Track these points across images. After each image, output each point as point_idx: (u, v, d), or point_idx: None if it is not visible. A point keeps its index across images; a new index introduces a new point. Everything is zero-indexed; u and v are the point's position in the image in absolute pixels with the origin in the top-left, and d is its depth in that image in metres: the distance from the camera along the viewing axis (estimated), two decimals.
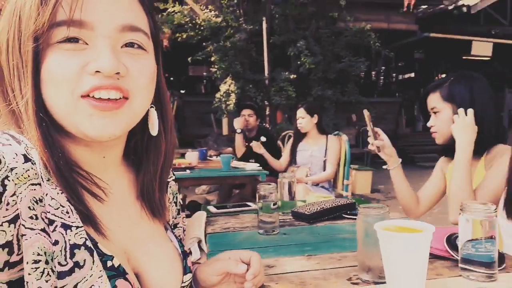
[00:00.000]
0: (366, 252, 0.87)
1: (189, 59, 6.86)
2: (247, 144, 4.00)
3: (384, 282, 0.82)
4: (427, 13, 10.76)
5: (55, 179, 0.54)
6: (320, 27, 6.45)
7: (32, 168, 0.51)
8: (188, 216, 4.12)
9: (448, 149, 1.51)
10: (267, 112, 6.53)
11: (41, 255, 0.48)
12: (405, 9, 3.92)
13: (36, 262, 0.48)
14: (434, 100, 1.55)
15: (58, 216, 0.52)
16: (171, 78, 12.42)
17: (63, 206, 0.53)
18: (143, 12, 0.61)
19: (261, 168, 3.25)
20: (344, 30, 6.51)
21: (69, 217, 0.53)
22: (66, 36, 0.54)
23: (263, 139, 3.65)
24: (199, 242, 1.30)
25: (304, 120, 3.32)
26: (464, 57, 11.76)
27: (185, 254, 0.74)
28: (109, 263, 0.56)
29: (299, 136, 3.44)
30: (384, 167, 1.66)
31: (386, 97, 10.99)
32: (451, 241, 0.96)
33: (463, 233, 0.87)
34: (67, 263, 0.51)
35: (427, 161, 9.21)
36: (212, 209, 1.60)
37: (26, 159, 0.51)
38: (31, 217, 0.49)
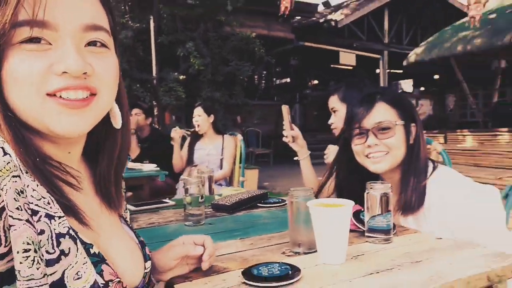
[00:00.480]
0: (297, 228, 1.03)
1: None
2: (140, 144, 3.93)
3: (313, 252, 0.99)
4: (302, 24, 11.82)
5: (31, 174, 0.55)
6: (208, 29, 6.61)
7: (11, 161, 0.51)
8: None
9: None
10: (156, 113, 6.44)
11: (30, 244, 0.49)
12: (280, 14, 4.29)
13: (26, 251, 0.49)
14: (333, 101, 1.85)
15: (41, 207, 0.53)
16: None
17: (44, 197, 0.54)
18: (103, 10, 0.63)
19: (158, 168, 3.24)
20: (231, 35, 6.79)
21: (51, 207, 0.55)
22: (28, 37, 0.54)
23: None
24: None
25: (201, 118, 3.41)
26: (332, 65, 13.21)
27: (143, 244, 0.79)
28: (91, 251, 0.59)
29: (196, 136, 3.53)
30: (295, 158, 1.86)
31: (267, 100, 11.73)
32: (358, 216, 1.18)
33: (368, 208, 1.08)
34: (55, 251, 0.53)
35: None
36: (130, 207, 1.61)
37: (4, 152, 0.52)
38: (17, 208, 0.49)
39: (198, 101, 6.27)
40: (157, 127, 5.37)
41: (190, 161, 3.52)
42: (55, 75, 0.55)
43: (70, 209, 0.59)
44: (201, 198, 1.38)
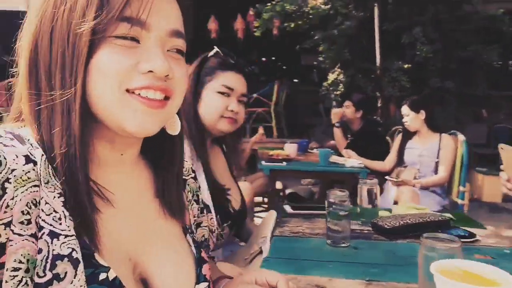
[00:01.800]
0: None
1: (297, 47, 6.81)
2: (349, 137, 3.82)
3: None
4: None
5: (68, 181, 0.53)
6: (440, 11, 5.74)
7: (33, 169, 0.51)
8: None
9: None
10: (379, 104, 6.13)
11: (23, 263, 0.48)
12: None
13: (15, 269, 0.47)
14: None
15: (47, 223, 0.51)
16: (284, 67, 12.54)
17: (56, 212, 0.52)
18: (182, 18, 0.64)
19: (362, 165, 3.06)
20: (471, 14, 5.68)
21: (60, 224, 0.52)
22: (124, 33, 0.55)
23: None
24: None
25: (409, 117, 3.03)
26: None
27: (201, 261, 0.72)
28: (102, 276, 0.54)
29: (408, 133, 3.15)
30: None
31: None
32: None
33: None
34: (45, 274, 0.49)
35: None
36: (287, 208, 1.57)
37: (28, 160, 0.51)
38: (21, 222, 0.49)
39: (424, 92, 5.65)
40: (377, 119, 5.12)
41: (400, 161, 3.19)
42: (139, 73, 0.56)
43: (88, 226, 0.56)
44: (344, 212, 1.19)
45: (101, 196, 0.59)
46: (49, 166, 0.54)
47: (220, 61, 1.39)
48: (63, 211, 0.53)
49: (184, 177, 0.80)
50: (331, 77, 6.25)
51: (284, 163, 3.05)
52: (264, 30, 6.77)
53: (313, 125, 7.63)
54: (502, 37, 5.81)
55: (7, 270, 0.47)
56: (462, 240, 1.19)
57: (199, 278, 0.69)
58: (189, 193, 0.81)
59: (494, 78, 6.53)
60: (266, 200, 3.67)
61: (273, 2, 6.56)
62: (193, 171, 0.85)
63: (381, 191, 3.17)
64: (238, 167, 1.63)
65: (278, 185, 3.88)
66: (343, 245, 1.20)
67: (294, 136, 6.42)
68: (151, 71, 0.57)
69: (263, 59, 12.22)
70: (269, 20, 6.72)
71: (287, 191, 3.79)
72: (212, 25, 8.20)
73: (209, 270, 0.73)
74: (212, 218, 0.92)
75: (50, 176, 0.53)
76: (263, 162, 3.03)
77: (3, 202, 0.47)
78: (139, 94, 0.57)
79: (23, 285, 0.48)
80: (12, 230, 0.48)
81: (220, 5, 8.21)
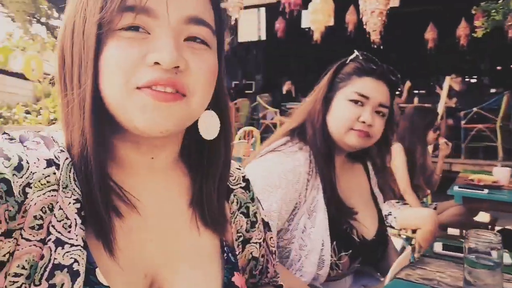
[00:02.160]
0: None
1: None
2: None
3: None
4: None
5: (85, 185, 0.52)
6: None
7: (54, 173, 0.50)
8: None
9: None
10: None
11: (25, 269, 0.46)
12: None
13: (16, 275, 0.46)
14: None
15: (56, 229, 0.49)
16: None
17: (68, 219, 0.50)
18: (209, 5, 0.58)
19: None
20: None
21: (68, 232, 0.50)
22: (129, 23, 0.52)
23: None
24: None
25: None
26: None
27: (229, 286, 0.62)
28: None
29: None
30: None
31: None
32: None
33: None
34: (40, 284, 0.47)
35: None
36: (437, 247, 1.21)
37: (49, 164, 0.50)
38: (32, 227, 0.47)
39: None
40: None
41: None
42: (147, 66, 0.52)
43: (104, 237, 0.53)
44: (491, 266, 0.83)
45: (125, 201, 0.56)
46: (72, 170, 0.52)
47: (357, 65, 1.20)
48: (75, 219, 0.51)
49: (231, 186, 0.72)
50: None
51: (485, 191, 2.43)
52: (492, 31, 5.71)
53: None
54: None
55: (9, 275, 0.45)
56: None
57: None
58: (234, 204, 0.71)
59: None
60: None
61: None
62: (245, 181, 0.75)
63: None
64: (388, 189, 1.37)
65: (483, 217, 3.14)
66: None
67: None
68: (157, 63, 0.51)
69: (497, 68, 10.39)
70: (499, 21, 5.63)
71: (498, 228, 3.02)
72: (430, 34, 7.52)
73: None
74: (272, 237, 0.79)
75: (70, 181, 0.52)
76: (455, 188, 2.51)
77: (23, 207, 0.47)
78: (149, 88, 0.52)
79: None
80: (22, 234, 0.46)
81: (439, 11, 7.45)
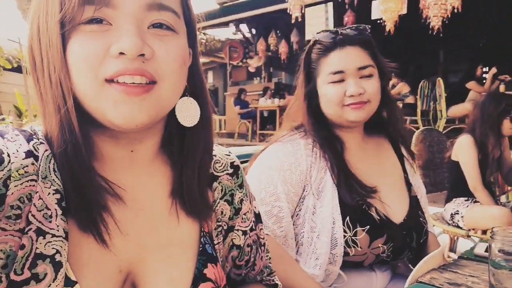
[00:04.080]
0: None
1: None
2: None
3: None
4: None
5: (66, 176, 0.52)
6: None
7: (32, 164, 0.51)
8: None
9: None
10: None
11: (1, 259, 0.46)
12: None
13: None
14: None
15: (37, 219, 0.49)
16: None
17: (48, 209, 0.50)
18: None
19: None
20: None
21: (49, 222, 0.50)
22: (90, 16, 0.52)
23: None
24: None
25: None
26: None
27: (199, 279, 0.61)
28: None
29: None
30: None
31: None
32: None
33: None
34: (23, 273, 0.47)
35: None
36: (479, 248, 1.06)
37: (28, 155, 0.51)
38: (8, 217, 0.47)
39: None
40: None
41: None
42: (112, 58, 0.52)
43: (91, 226, 0.54)
44: None
45: (111, 193, 0.56)
46: (51, 161, 0.53)
47: (319, 47, 1.16)
48: (55, 209, 0.51)
49: (216, 173, 0.70)
50: None
51: None
52: None
53: None
54: None
55: None
56: None
57: None
58: (217, 191, 0.69)
59: None
60: None
61: None
62: (233, 167, 0.72)
63: None
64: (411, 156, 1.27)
65: None
66: None
67: None
68: (123, 53, 0.51)
69: None
70: None
71: None
72: None
73: None
74: (262, 229, 0.75)
75: (49, 171, 0.52)
76: None
77: (6, 199, 0.47)
78: (117, 81, 0.51)
79: None
80: None
81: None
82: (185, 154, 0.64)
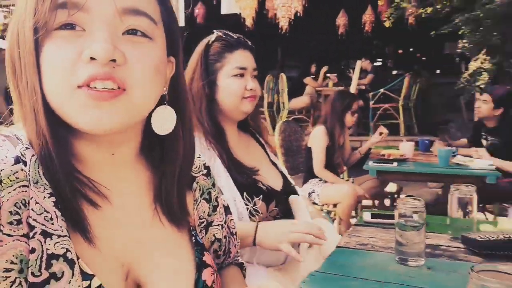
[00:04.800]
0: None
1: (431, 33, 6.11)
2: (484, 135, 3.27)
3: None
4: None
5: (53, 181, 0.53)
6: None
7: (22, 170, 0.51)
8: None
9: None
10: None
11: (15, 264, 0.47)
12: None
13: (7, 270, 0.46)
14: None
15: (39, 222, 0.50)
16: (423, 58, 11.48)
17: (47, 212, 0.51)
18: None
19: (493, 167, 2.57)
20: None
21: (52, 224, 0.51)
22: (63, 22, 0.51)
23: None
24: None
25: None
26: None
27: (201, 266, 0.66)
28: (85, 283, 0.52)
29: None
30: None
31: None
32: None
33: None
34: (41, 274, 0.48)
35: None
36: (366, 216, 1.38)
37: (17, 160, 0.51)
38: (10, 223, 0.48)
39: None
40: None
41: None
42: (84, 63, 0.51)
43: (81, 228, 0.54)
44: (417, 226, 0.98)
45: (95, 191, 0.57)
46: (39, 166, 0.53)
47: (224, 43, 1.33)
48: (54, 211, 0.52)
49: (194, 174, 0.75)
50: (473, 65, 5.44)
51: (395, 164, 2.74)
52: (396, 19, 6.27)
53: (448, 122, 6.75)
54: None
55: None
56: None
57: (198, 284, 0.65)
58: (197, 191, 0.75)
59: None
60: (377, 203, 3.37)
61: None
62: (206, 168, 0.79)
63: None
64: (269, 145, 1.54)
65: (392, 187, 3.53)
66: (413, 263, 0.99)
67: (426, 134, 5.79)
68: (94, 58, 0.51)
69: (399, 51, 11.41)
70: (403, 8, 6.20)
71: (402, 195, 3.43)
72: (341, 20, 7.95)
73: (212, 275, 0.68)
74: (232, 219, 0.85)
75: (39, 176, 0.53)
76: (369, 163, 2.78)
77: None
78: (88, 86, 0.51)
79: (17, 286, 0.47)
80: (1, 231, 0.47)
81: None
82: (165, 162, 0.66)
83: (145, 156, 0.67)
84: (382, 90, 6.40)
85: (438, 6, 5.90)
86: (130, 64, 0.53)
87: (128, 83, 0.53)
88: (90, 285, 0.52)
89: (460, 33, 5.57)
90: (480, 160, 2.72)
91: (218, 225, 0.78)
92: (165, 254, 0.64)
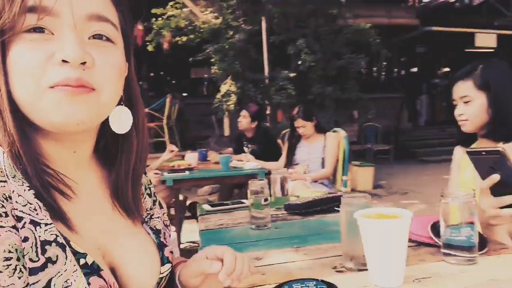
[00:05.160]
0: (349, 241, 0.89)
1: (190, 59, 6.93)
2: (245, 143, 4.05)
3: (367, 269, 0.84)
4: (428, 7, 10.72)
5: (25, 176, 0.54)
6: (319, 25, 6.48)
7: None
8: (188, 218, 4.00)
9: (469, 139, 1.48)
10: (268, 112, 6.56)
11: (12, 252, 0.48)
12: (410, 3, 3.91)
13: (7, 259, 0.48)
14: (466, 88, 1.43)
15: (26, 213, 0.51)
16: (173, 81, 12.48)
17: (30, 203, 0.53)
18: (111, 4, 0.61)
19: (259, 166, 3.27)
20: (344, 27, 6.54)
21: (37, 214, 0.53)
22: (31, 25, 0.52)
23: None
24: None
25: (306, 128, 3.34)
26: (466, 50, 11.70)
27: (162, 245, 0.75)
28: (82, 261, 0.56)
29: (297, 136, 3.46)
30: None
31: (388, 93, 10.97)
32: (436, 228, 0.97)
33: (444, 219, 0.88)
34: (39, 259, 0.50)
35: (429, 155, 9.19)
36: (206, 207, 1.63)
37: None
38: (0, 215, 0.48)
39: (308, 98, 6.22)
40: (267, 125, 5.50)
41: (290, 161, 3.48)
42: (55, 65, 0.53)
43: (59, 216, 0.57)
44: (265, 201, 1.31)
45: (66, 184, 0.59)
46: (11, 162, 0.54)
47: None
48: (36, 203, 0.53)
49: None
50: (224, 88, 6.49)
51: (187, 172, 3.09)
52: (156, 44, 6.75)
53: (205, 137, 7.76)
54: (369, 48, 6.76)
55: None
56: None
57: (163, 260, 0.72)
58: (142, 187, 0.81)
59: (363, 83, 7.59)
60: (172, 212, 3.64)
61: (164, 17, 6.61)
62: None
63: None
64: None
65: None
66: (266, 227, 1.31)
67: (187, 148, 6.47)
68: (65, 61, 0.53)
69: (151, 74, 12.02)
70: (160, 35, 6.72)
71: (188, 202, 3.85)
72: None
73: (170, 253, 0.76)
74: (165, 213, 0.94)
75: (16, 171, 0.53)
76: (165, 174, 3.02)
77: None
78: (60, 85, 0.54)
79: (18, 272, 0.48)
80: None
81: None
82: (120, 161, 0.69)
83: (99, 155, 0.71)
84: (147, 110, 6.72)
85: (191, 36, 6.73)
86: (97, 67, 0.56)
87: (97, 85, 0.57)
88: (86, 263, 0.57)
89: (212, 60, 6.54)
90: (249, 163, 3.40)
91: (158, 217, 0.84)
92: (130, 238, 0.70)
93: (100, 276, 0.58)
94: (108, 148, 0.70)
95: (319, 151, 3.35)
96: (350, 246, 0.89)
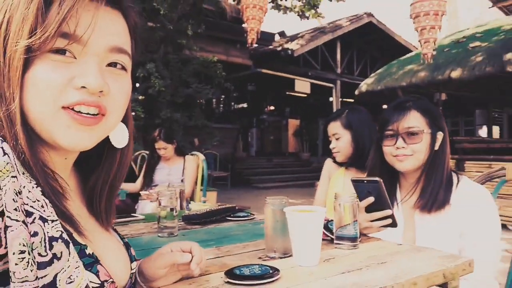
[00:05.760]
0: (274, 235, 1.10)
1: None
2: None
3: (288, 256, 1.06)
4: (259, 51, 12.17)
5: (37, 174, 0.57)
6: (169, 52, 6.70)
7: (10, 161, 0.53)
8: None
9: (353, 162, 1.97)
10: None
11: (26, 246, 0.50)
12: (248, 45, 4.48)
13: (22, 252, 0.49)
14: (336, 127, 1.98)
15: (35, 209, 0.54)
16: None
17: (38, 200, 0.55)
18: (129, 36, 0.67)
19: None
20: (192, 58, 6.93)
21: (44, 210, 0.55)
22: (59, 47, 0.56)
23: None
24: None
25: (167, 150, 3.44)
26: (288, 92, 13.66)
27: (128, 245, 0.82)
28: (86, 251, 0.62)
29: (157, 157, 3.53)
30: None
31: (225, 124, 11.87)
32: (327, 226, 1.27)
33: (338, 217, 1.18)
34: (47, 254, 0.53)
35: (260, 182, 10.24)
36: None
37: (3, 152, 0.53)
38: (15, 209, 0.50)
39: (156, 121, 6.29)
40: None
41: (149, 181, 3.51)
42: (73, 89, 0.57)
43: (64, 214, 0.60)
44: (175, 211, 1.41)
45: (62, 185, 0.63)
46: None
47: None
48: (43, 200, 0.56)
49: None
50: None
51: None
52: None
53: None
54: (213, 80, 7.30)
55: (14, 254, 0.49)
56: (246, 218, 1.63)
57: (131, 258, 0.79)
58: None
59: (210, 112, 8.11)
60: None
61: None
62: None
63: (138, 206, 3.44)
64: None
65: None
66: (174, 235, 1.40)
67: None
68: (84, 87, 0.58)
69: None
70: None
71: None
72: None
73: (134, 252, 0.83)
74: None
75: (24, 169, 0.56)
76: None
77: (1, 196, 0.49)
78: (72, 109, 0.59)
79: (30, 265, 0.50)
80: (9, 217, 0.49)
81: None
82: (101, 169, 0.74)
83: (75, 164, 0.74)
84: None
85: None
86: (111, 94, 0.62)
87: (108, 110, 0.63)
88: (90, 253, 0.63)
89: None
90: None
91: None
92: (105, 239, 0.75)
93: (102, 266, 0.65)
94: (90, 155, 0.73)
95: (179, 172, 3.49)
96: (274, 240, 1.10)
